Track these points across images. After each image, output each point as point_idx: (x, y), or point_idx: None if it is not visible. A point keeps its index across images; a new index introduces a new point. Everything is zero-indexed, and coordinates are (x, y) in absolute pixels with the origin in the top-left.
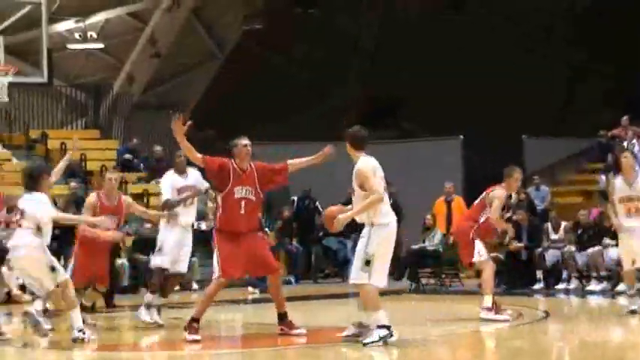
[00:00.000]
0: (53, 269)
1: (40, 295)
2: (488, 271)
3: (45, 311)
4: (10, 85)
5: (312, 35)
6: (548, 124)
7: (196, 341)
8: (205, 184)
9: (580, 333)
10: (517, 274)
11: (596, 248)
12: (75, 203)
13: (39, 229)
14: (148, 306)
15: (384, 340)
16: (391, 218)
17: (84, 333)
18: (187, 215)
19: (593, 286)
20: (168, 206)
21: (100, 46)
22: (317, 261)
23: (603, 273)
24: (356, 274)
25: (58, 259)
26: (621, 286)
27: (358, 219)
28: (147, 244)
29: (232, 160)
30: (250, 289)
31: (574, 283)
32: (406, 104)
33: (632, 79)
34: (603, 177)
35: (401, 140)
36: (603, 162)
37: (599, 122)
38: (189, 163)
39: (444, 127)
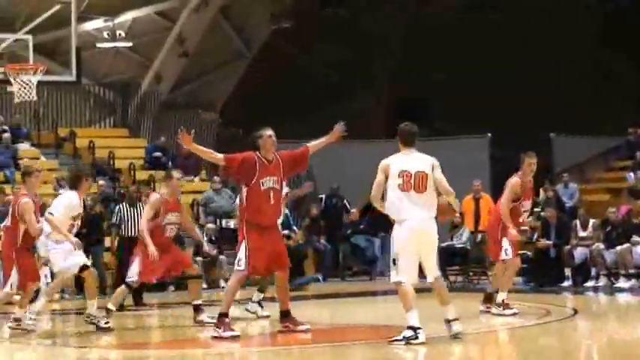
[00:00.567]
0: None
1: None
2: (511, 270)
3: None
4: (39, 83)
5: (339, 35)
6: (576, 122)
7: (226, 338)
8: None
9: (608, 331)
10: (545, 272)
11: (625, 246)
12: (102, 201)
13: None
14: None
15: (407, 340)
16: (408, 215)
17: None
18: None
19: (622, 283)
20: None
21: (129, 44)
22: (345, 259)
23: (632, 270)
24: (390, 273)
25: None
26: None
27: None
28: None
29: (257, 152)
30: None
31: (602, 281)
32: (434, 103)
33: None
34: (632, 174)
35: (429, 139)
36: (632, 159)
37: (627, 120)
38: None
39: (472, 126)
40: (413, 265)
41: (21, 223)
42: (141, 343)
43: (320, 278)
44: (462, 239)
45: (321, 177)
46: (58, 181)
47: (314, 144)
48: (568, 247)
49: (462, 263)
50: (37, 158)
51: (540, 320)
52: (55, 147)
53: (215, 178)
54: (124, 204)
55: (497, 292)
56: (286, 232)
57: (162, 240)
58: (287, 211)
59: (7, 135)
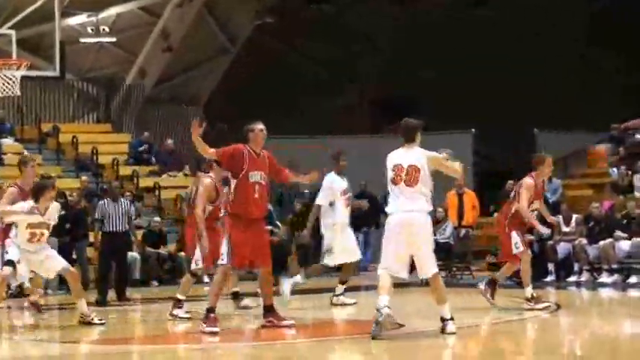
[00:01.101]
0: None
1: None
2: (525, 263)
3: None
4: (23, 78)
5: (324, 31)
6: (560, 117)
7: (214, 333)
8: None
9: (591, 326)
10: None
11: (608, 241)
12: (86, 197)
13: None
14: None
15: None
16: (394, 209)
17: None
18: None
19: (605, 278)
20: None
21: (112, 39)
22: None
23: (614, 265)
24: None
25: (70, 253)
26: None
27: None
28: (158, 237)
29: (247, 145)
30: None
31: (585, 276)
32: (418, 99)
33: None
34: (615, 170)
35: None
36: (615, 155)
37: (610, 116)
38: None
39: (456, 122)
40: (394, 256)
41: None
42: (123, 338)
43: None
44: (445, 234)
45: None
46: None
47: (293, 177)
48: (551, 242)
49: (446, 259)
50: (20, 153)
51: (524, 315)
52: (38, 142)
53: (199, 173)
54: (106, 199)
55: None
56: (270, 227)
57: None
58: (270, 207)
59: None
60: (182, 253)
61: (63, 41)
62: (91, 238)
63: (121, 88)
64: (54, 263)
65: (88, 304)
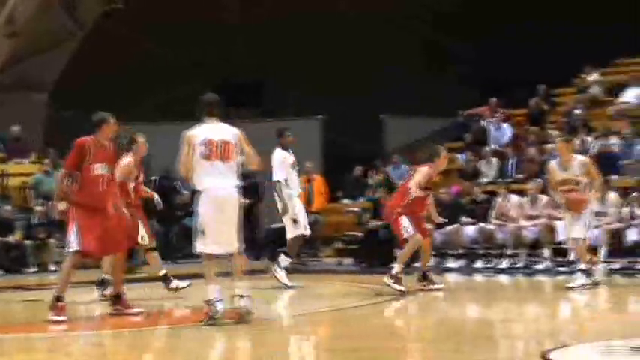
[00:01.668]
0: None
1: None
2: (412, 245)
3: None
4: None
5: (173, 15)
6: (406, 104)
7: (61, 322)
8: None
9: (437, 309)
10: (376, 253)
11: (454, 226)
12: None
13: None
14: (286, 269)
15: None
16: (208, 185)
17: None
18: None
19: (451, 263)
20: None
21: None
22: (176, 241)
23: (460, 250)
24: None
25: None
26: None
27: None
28: (6, 225)
29: (93, 136)
30: None
31: (432, 261)
32: (267, 85)
33: (490, 60)
34: (463, 155)
35: (261, 120)
36: (461, 141)
37: (456, 102)
38: None
39: (305, 108)
40: (219, 234)
41: None
42: None
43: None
44: None
45: (153, 159)
46: None
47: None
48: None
49: None
50: None
51: (371, 300)
52: None
53: (46, 161)
54: None
55: (428, 270)
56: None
57: None
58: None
59: None
60: (28, 241)
61: None
62: None
63: None
64: None
65: None
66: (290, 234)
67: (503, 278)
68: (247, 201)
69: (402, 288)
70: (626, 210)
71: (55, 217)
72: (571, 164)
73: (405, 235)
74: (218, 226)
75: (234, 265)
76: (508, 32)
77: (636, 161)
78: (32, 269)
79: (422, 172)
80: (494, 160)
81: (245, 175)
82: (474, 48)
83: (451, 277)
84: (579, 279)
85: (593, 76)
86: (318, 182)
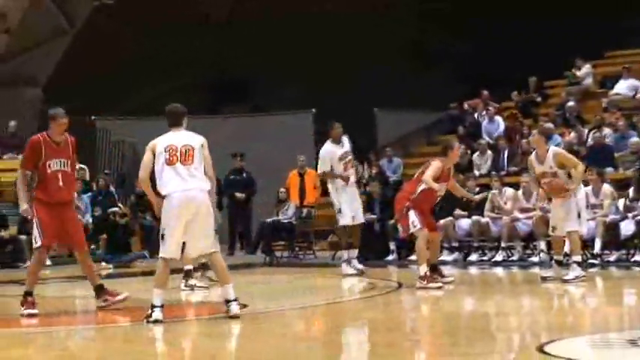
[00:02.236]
0: None
1: None
2: (421, 241)
3: None
4: None
5: (163, 10)
6: (399, 97)
7: (33, 315)
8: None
9: (432, 303)
10: (370, 246)
11: (448, 219)
12: None
13: None
14: (348, 261)
15: (147, 319)
16: (171, 189)
17: None
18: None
19: (445, 256)
20: (330, 175)
21: None
22: None
23: (455, 244)
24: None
25: None
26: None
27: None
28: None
29: (45, 134)
30: (104, 264)
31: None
32: (259, 80)
33: (482, 55)
34: None
35: (253, 114)
36: (454, 134)
37: (449, 96)
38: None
39: (296, 102)
40: (174, 238)
41: None
42: None
43: (146, 255)
44: (287, 214)
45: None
46: None
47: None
48: (392, 221)
49: (288, 238)
50: None
51: (366, 294)
52: None
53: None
54: None
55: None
56: (115, 209)
57: None
58: (113, 188)
59: None
60: (22, 236)
61: None
62: None
63: None
64: None
65: None
66: (338, 224)
67: (499, 271)
68: (242, 195)
69: (438, 284)
70: (621, 202)
71: (24, 215)
72: (546, 156)
73: (412, 230)
74: (179, 230)
75: (214, 268)
76: (500, 25)
77: (630, 153)
78: (27, 264)
79: (433, 166)
80: (488, 152)
81: (239, 170)
82: (466, 42)
83: (446, 271)
84: (573, 271)
85: (585, 69)
86: (311, 176)
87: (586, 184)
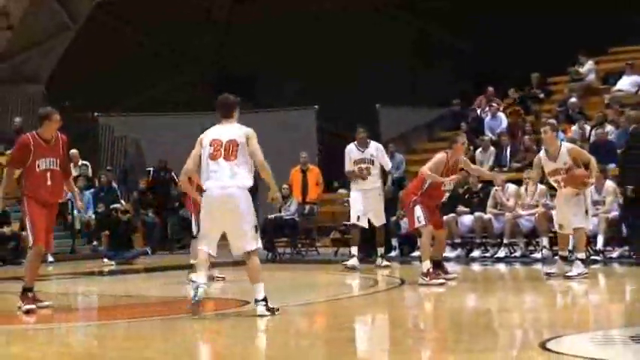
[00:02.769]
0: None
1: None
2: (425, 237)
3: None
4: None
5: (165, 7)
6: (402, 93)
7: (32, 311)
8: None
9: (435, 299)
10: (373, 242)
11: (450, 215)
12: None
13: None
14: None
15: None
16: (209, 184)
17: None
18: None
19: (448, 253)
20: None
21: None
22: (173, 232)
23: (457, 240)
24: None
25: None
26: (476, 252)
27: None
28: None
29: (35, 133)
30: (106, 260)
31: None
32: (261, 77)
33: (484, 51)
34: None
35: (255, 111)
36: (456, 130)
37: (451, 92)
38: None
39: (299, 99)
40: (210, 232)
41: None
42: None
43: (148, 252)
44: (290, 211)
45: (148, 150)
46: None
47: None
48: (394, 217)
49: (291, 235)
50: None
51: (368, 291)
52: None
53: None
54: None
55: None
56: (117, 205)
57: None
58: (115, 184)
59: None
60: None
61: None
62: None
63: None
64: None
65: None
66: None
67: (501, 268)
68: None
69: (440, 280)
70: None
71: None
72: (559, 153)
73: (417, 225)
74: (212, 226)
75: (247, 269)
76: (502, 21)
77: None
78: None
79: (435, 159)
80: (491, 148)
81: None
82: (469, 38)
83: (449, 267)
84: (577, 268)
85: (588, 65)
86: (313, 172)
87: None
